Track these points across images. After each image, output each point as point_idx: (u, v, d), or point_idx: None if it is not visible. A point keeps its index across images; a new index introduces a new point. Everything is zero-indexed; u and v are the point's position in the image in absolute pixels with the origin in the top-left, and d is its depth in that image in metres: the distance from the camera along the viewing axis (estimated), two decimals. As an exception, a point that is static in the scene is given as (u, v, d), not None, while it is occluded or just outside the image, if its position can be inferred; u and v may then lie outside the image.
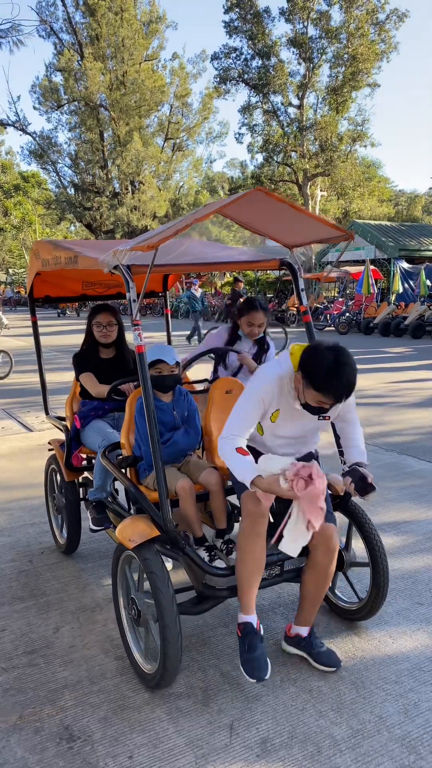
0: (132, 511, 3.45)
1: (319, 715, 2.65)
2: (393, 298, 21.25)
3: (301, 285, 3.21)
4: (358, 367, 12.02)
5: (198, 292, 18.26)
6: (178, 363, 3.28)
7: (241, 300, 4.20)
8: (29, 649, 3.22)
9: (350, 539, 3.29)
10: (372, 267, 21.92)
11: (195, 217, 2.35)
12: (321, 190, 34.05)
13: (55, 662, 3.10)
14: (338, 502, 3.15)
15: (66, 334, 21.94)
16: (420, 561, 4.02)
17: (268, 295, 29.86)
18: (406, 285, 22.42)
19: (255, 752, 2.46)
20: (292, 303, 24.45)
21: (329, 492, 3.20)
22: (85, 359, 4.02)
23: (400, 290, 21.25)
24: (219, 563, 2.96)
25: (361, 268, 22.93)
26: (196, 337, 17.86)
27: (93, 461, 4.03)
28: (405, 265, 23.12)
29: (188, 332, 18.60)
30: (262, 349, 4.14)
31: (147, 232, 2.71)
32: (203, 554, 2.99)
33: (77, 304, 24.52)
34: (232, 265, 3.18)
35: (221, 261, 3.17)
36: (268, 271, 33.19)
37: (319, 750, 2.46)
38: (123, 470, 3.23)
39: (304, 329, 21.59)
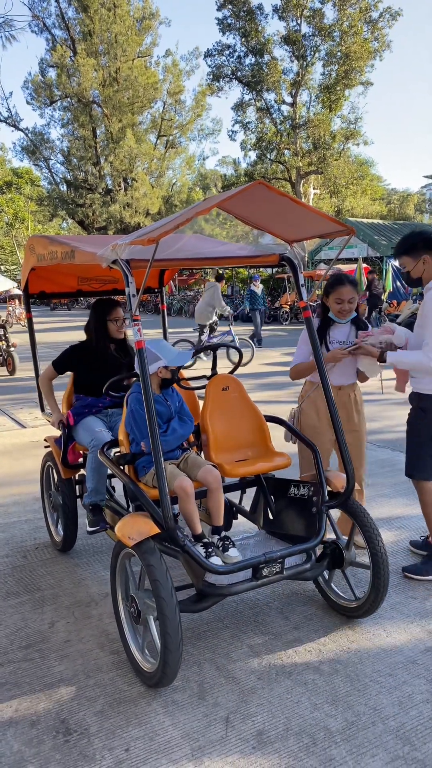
0: (130, 509, 3.44)
1: (314, 708, 2.68)
2: (385, 296, 21.29)
3: (301, 280, 3.19)
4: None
5: (259, 288, 17.07)
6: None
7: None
8: (24, 643, 3.22)
9: (351, 539, 3.29)
10: (364, 265, 21.96)
11: (196, 210, 2.33)
12: (314, 188, 34.09)
13: (51, 657, 3.10)
14: (337, 499, 3.15)
15: (58, 331, 21.87)
16: (413, 556, 4.05)
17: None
18: (398, 283, 22.49)
19: (251, 744, 2.48)
20: (284, 301, 24.46)
21: (329, 489, 3.20)
22: (78, 358, 3.97)
23: (392, 288, 21.32)
24: (215, 560, 2.95)
25: (354, 266, 22.97)
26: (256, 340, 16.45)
27: None
28: (397, 263, 23.17)
29: (247, 333, 17.19)
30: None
31: (146, 227, 2.70)
32: (200, 550, 2.98)
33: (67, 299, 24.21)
34: (231, 260, 3.15)
35: (220, 256, 3.14)
36: (261, 269, 33.19)
37: (314, 742, 2.48)
38: (121, 467, 3.23)
39: (298, 327, 21.63)
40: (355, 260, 24.61)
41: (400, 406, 8.70)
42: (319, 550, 3.38)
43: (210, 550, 3.00)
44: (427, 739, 2.48)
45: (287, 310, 23.79)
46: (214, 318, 13.40)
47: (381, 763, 2.37)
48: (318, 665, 2.96)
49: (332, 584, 3.44)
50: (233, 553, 3.06)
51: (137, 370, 3.24)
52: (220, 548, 3.11)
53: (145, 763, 2.40)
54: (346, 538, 3.37)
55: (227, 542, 3.12)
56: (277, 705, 2.70)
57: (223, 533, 3.19)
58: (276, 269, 29.31)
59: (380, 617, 3.35)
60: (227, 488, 3.64)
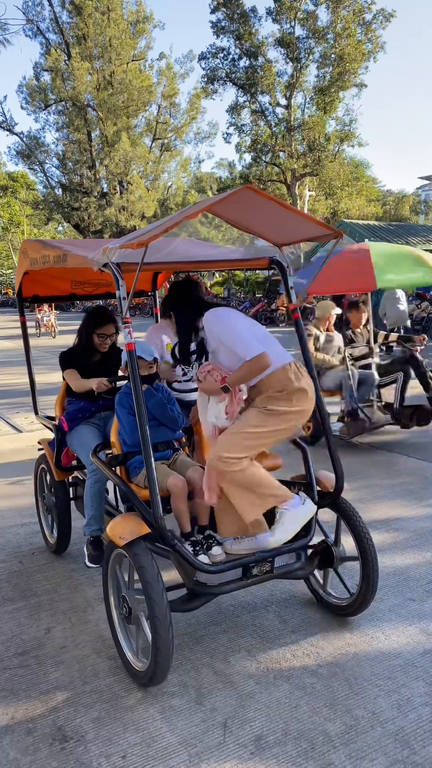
0: (122, 510, 3.44)
1: (312, 712, 2.66)
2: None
3: (291, 283, 3.20)
4: (348, 365, 11.58)
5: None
6: (156, 359, 3.34)
7: None
8: (20, 650, 3.20)
9: (339, 535, 3.31)
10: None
11: (185, 214, 2.34)
12: (309, 190, 34.14)
13: (47, 663, 3.08)
14: (327, 499, 3.16)
15: (51, 335, 21.80)
16: (411, 557, 4.04)
17: (258, 295, 29.89)
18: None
19: (249, 750, 2.46)
20: (281, 303, 24.47)
21: (318, 489, 3.21)
22: (72, 359, 3.95)
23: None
24: (204, 558, 2.96)
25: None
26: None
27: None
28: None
29: None
30: None
31: (137, 230, 2.71)
32: (188, 548, 3.00)
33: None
34: (221, 263, 3.17)
35: (211, 259, 3.16)
36: (257, 271, 33.24)
37: (313, 746, 2.46)
38: (113, 468, 3.23)
39: (293, 328, 21.63)
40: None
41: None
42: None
43: (198, 548, 3.03)
44: (427, 743, 2.46)
45: (283, 312, 23.79)
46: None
47: (380, 767, 2.35)
48: (316, 669, 2.94)
49: (327, 587, 3.43)
50: (216, 552, 3.06)
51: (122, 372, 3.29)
52: (204, 546, 3.12)
53: (142, 770, 2.38)
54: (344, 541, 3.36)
55: (211, 541, 3.13)
56: (275, 709, 2.68)
57: (207, 532, 3.20)
58: (272, 272, 29.32)
59: (378, 619, 3.33)
60: None
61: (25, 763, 2.44)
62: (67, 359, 3.95)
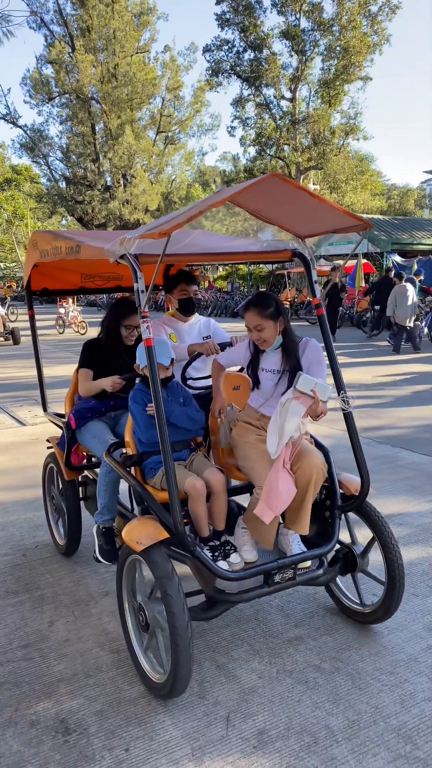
0: (136, 512, 3.33)
1: (315, 707, 2.66)
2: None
3: (314, 277, 3.08)
4: (350, 360, 11.87)
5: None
6: (173, 360, 3.19)
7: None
8: (24, 643, 3.21)
9: (369, 548, 3.17)
10: (364, 261, 21.90)
11: (209, 203, 2.24)
12: (314, 184, 33.99)
13: (50, 656, 3.09)
14: (351, 503, 3.03)
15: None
16: (414, 553, 4.03)
17: (261, 290, 29.83)
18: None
19: (251, 744, 2.47)
20: (284, 297, 24.42)
21: (342, 492, 3.12)
22: (95, 353, 3.75)
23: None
24: (223, 564, 2.86)
25: (354, 262, 22.92)
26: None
27: (93, 459, 3.94)
28: (398, 258, 23.12)
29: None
30: None
31: (156, 220, 2.61)
32: (207, 554, 2.90)
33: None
34: (242, 255, 3.02)
35: (232, 251, 3.02)
36: (261, 265, 33.15)
37: (316, 741, 2.47)
38: (128, 469, 3.12)
39: (297, 323, 21.56)
40: (355, 256, 24.58)
41: (401, 401, 8.68)
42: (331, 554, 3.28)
43: (216, 554, 2.92)
44: (429, 738, 2.47)
45: (288, 306, 23.76)
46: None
47: (383, 762, 2.35)
48: (319, 663, 2.95)
49: (344, 590, 3.36)
50: (234, 559, 2.94)
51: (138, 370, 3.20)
52: (222, 553, 3.03)
53: (146, 763, 2.39)
54: (363, 545, 3.24)
55: (228, 548, 3.04)
56: (278, 704, 2.69)
57: (224, 538, 3.09)
58: (276, 265, 29.26)
59: (381, 615, 3.33)
60: (237, 491, 3.49)
61: (28, 755, 2.45)
62: (89, 353, 3.75)
